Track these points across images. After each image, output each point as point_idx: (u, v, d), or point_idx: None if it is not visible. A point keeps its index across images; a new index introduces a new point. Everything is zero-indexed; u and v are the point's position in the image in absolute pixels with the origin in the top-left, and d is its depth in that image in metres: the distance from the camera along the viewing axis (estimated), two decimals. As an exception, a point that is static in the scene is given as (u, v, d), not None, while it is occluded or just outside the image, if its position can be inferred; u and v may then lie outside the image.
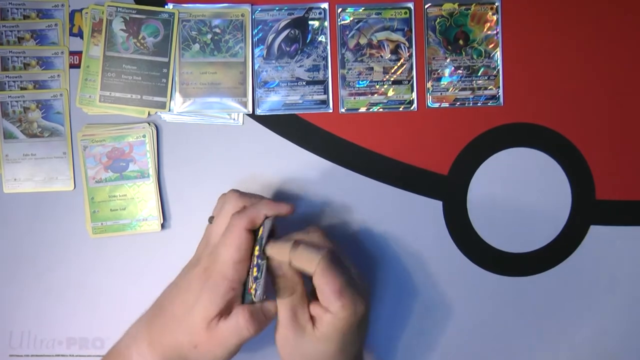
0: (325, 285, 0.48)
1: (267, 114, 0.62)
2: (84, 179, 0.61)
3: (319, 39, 0.61)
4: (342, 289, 0.48)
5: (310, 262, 0.48)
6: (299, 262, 0.49)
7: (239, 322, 0.49)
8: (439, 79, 0.62)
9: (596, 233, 0.62)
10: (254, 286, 0.50)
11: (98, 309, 0.61)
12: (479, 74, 0.62)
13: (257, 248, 0.50)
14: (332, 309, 0.48)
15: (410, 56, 0.62)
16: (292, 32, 0.61)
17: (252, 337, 0.50)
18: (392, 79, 0.62)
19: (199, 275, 0.50)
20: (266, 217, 0.51)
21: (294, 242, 0.50)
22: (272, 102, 0.62)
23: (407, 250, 0.62)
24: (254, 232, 0.51)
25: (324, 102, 0.62)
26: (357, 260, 0.61)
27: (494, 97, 0.62)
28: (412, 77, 0.62)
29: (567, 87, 0.62)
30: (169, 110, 0.61)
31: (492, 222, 0.62)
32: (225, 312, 0.49)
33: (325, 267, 0.48)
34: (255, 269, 0.50)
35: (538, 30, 0.62)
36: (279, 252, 0.50)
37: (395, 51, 0.62)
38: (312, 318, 0.50)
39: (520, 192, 0.62)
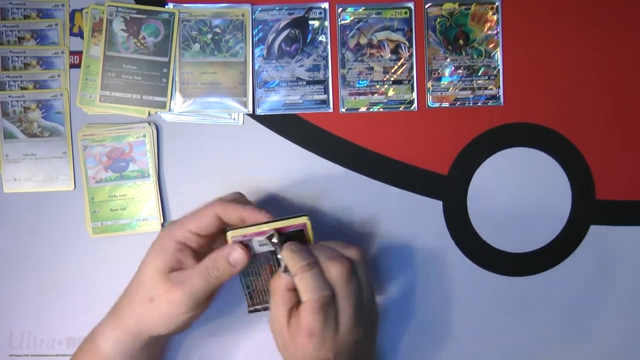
0: (304, 321, 0.48)
1: (267, 113, 0.62)
2: (84, 179, 0.61)
3: (319, 38, 0.61)
4: (312, 333, 0.48)
5: (306, 292, 0.48)
6: (299, 284, 0.49)
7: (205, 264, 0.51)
8: (439, 79, 0.62)
9: (596, 233, 0.62)
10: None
11: (98, 309, 0.61)
12: (479, 74, 0.62)
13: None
14: (298, 338, 0.49)
15: (411, 56, 0.62)
16: (293, 32, 0.61)
17: (215, 284, 0.51)
18: (392, 79, 0.62)
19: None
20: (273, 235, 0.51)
21: (310, 263, 0.49)
22: (272, 102, 0.62)
23: (407, 250, 0.62)
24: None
25: (324, 102, 0.62)
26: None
27: (494, 97, 0.62)
28: (412, 77, 0.62)
29: (567, 87, 0.62)
30: (169, 110, 0.61)
31: (492, 222, 0.62)
32: (177, 269, 0.52)
33: (313, 308, 0.48)
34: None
35: (538, 30, 0.62)
36: (292, 262, 0.50)
37: (396, 51, 0.62)
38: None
39: (520, 192, 0.62)
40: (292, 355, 0.50)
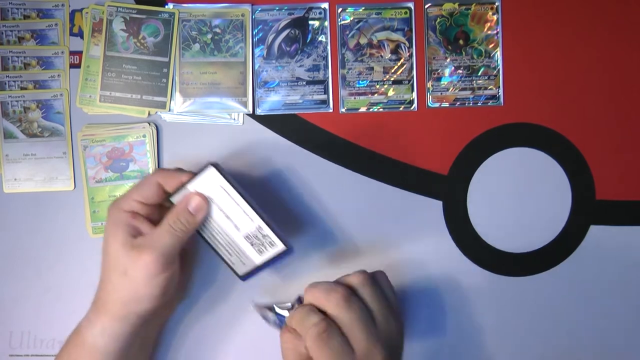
0: (313, 356, 0.48)
1: (267, 113, 0.62)
2: (84, 179, 0.61)
3: (319, 38, 0.61)
4: None
5: (301, 328, 0.49)
6: (295, 325, 0.50)
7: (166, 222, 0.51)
8: (439, 79, 0.62)
9: (596, 233, 0.62)
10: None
11: (98, 309, 0.61)
12: (479, 74, 0.62)
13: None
14: None
15: (411, 56, 0.62)
16: (292, 32, 0.61)
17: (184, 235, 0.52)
18: (392, 79, 0.62)
19: None
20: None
21: (294, 304, 0.52)
22: (272, 102, 0.62)
23: (407, 251, 0.62)
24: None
25: (324, 102, 0.62)
26: (357, 261, 0.61)
27: (494, 97, 0.62)
28: (412, 77, 0.62)
29: (567, 87, 0.62)
30: (169, 110, 0.61)
31: (492, 222, 0.62)
32: (136, 236, 0.52)
33: (311, 338, 0.48)
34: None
35: (538, 30, 0.62)
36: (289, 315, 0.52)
37: (396, 51, 0.62)
38: None
39: (520, 192, 0.62)
40: None
